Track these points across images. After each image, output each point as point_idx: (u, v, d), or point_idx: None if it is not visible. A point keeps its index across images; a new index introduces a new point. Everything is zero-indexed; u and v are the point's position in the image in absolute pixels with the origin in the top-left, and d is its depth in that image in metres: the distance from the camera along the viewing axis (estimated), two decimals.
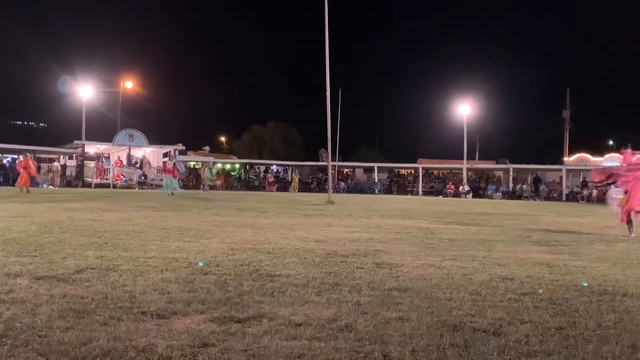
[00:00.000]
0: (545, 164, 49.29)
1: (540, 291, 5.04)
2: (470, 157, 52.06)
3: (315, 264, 6.21)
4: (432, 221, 13.71)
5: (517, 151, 60.72)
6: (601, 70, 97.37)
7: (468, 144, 46.70)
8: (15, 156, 36.78)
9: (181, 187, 29.20)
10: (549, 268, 6.43)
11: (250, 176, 50.25)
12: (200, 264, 5.94)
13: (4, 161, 40.20)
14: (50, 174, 38.19)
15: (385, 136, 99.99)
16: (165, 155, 45.19)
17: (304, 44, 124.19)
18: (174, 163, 28.14)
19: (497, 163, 53.32)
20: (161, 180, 41.73)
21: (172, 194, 26.41)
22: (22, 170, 23.95)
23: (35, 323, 3.56)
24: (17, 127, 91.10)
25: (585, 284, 5.45)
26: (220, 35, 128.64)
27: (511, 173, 45.86)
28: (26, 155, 26.61)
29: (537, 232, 11.31)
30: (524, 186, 44.07)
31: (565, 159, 52.25)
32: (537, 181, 45.19)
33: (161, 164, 44.48)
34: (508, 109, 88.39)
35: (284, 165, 53.06)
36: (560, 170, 45.68)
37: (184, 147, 46.88)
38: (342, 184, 47.24)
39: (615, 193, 16.00)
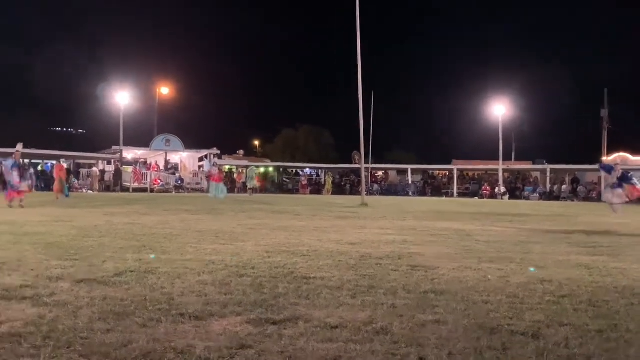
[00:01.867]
0: (583, 164, 48.28)
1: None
2: (506, 157, 51.30)
3: (349, 267, 6.21)
4: (468, 223, 13.56)
5: (554, 151, 59.67)
6: None
7: (504, 145, 46.09)
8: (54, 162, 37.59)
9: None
10: (589, 270, 6.30)
11: (284, 179, 50.50)
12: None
13: (45, 167, 41.17)
14: (90, 179, 39.01)
15: (419, 137, 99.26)
16: (201, 159, 45.80)
17: (336, 46, 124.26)
18: (219, 169, 29.36)
19: (534, 164, 52.45)
20: (197, 184, 42.41)
21: (215, 197, 27.05)
22: (56, 176, 24.44)
23: (77, 325, 3.65)
24: (56, 133, 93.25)
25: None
26: (254, 41, 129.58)
27: (548, 174, 45.08)
28: (59, 161, 27.14)
29: (575, 233, 11.10)
30: (562, 187, 43.27)
31: (604, 158, 51.10)
32: (575, 182, 44.33)
33: (197, 168, 45.13)
34: (545, 108, 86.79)
35: (317, 168, 53.16)
36: (599, 170, 44.68)
37: (219, 151, 47.42)
38: (376, 186, 47.12)
39: (610, 192, 15.76)
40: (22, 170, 17.60)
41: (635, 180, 16.09)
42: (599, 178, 42.90)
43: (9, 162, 17.63)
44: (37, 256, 6.49)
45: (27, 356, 3.07)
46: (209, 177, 32.58)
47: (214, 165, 34.86)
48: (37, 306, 4.11)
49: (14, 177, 17.01)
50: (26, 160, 30.01)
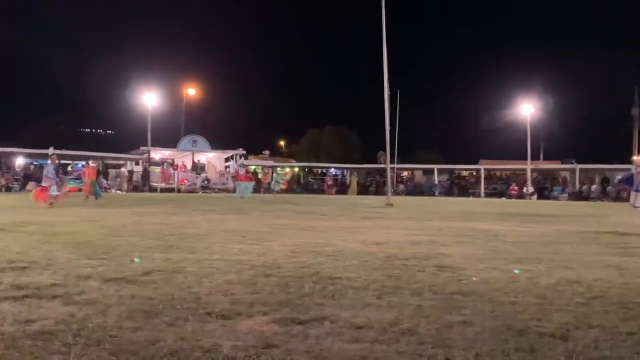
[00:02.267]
0: (613, 163, 47.39)
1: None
2: (535, 157, 50.65)
3: (375, 267, 6.20)
4: (495, 223, 13.43)
5: (584, 151, 58.76)
6: None
7: (532, 144, 45.52)
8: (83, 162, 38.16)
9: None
10: (619, 271, 6.19)
11: (310, 179, 50.56)
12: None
13: (75, 167, 41.84)
14: (118, 179, 39.54)
15: (445, 137, 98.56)
16: (227, 160, 46.09)
17: (362, 46, 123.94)
18: (245, 169, 29.94)
19: (562, 163, 51.67)
20: (224, 184, 42.70)
21: (242, 196, 27.45)
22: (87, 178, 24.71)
23: (106, 323, 3.70)
24: (85, 134, 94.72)
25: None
26: (279, 41, 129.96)
27: (578, 173, 44.38)
28: (87, 163, 27.50)
29: (605, 234, 10.91)
30: (592, 187, 42.58)
31: (635, 158, 50.16)
32: (605, 181, 43.56)
33: (223, 169, 45.45)
34: (573, 107, 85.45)
35: (342, 168, 53.11)
36: (630, 169, 43.82)
37: (245, 152, 47.66)
38: (401, 186, 46.91)
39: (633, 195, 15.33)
40: (59, 173, 18.08)
41: None
42: None
43: (50, 167, 18.03)
44: (66, 255, 6.60)
45: (58, 353, 3.13)
46: (235, 176, 32.93)
47: (240, 165, 35.26)
48: (67, 304, 4.18)
49: (52, 180, 17.40)
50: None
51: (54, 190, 17.18)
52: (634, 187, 15.65)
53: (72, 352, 3.15)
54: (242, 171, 31.40)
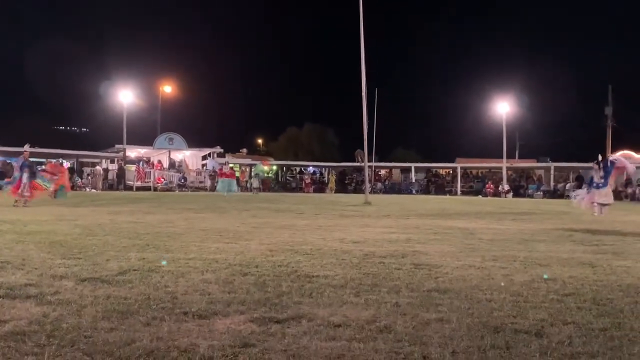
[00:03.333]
0: (587, 161, 48.03)
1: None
2: (510, 155, 51.24)
3: (353, 265, 6.21)
4: (472, 221, 13.54)
5: (558, 149, 59.59)
6: None
7: (507, 143, 46.01)
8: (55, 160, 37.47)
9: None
10: (592, 268, 6.28)
11: (288, 178, 50.51)
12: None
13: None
14: (93, 178, 39.08)
15: (423, 136, 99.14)
16: (204, 157, 45.85)
17: (339, 44, 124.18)
18: (230, 167, 30.17)
19: (537, 161, 52.35)
20: (200, 182, 42.46)
21: (226, 195, 27.43)
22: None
23: (81, 323, 3.65)
24: (60, 132, 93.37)
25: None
26: (256, 38, 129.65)
27: (552, 171, 44.97)
28: (58, 161, 26.53)
29: (579, 231, 11.08)
30: (566, 185, 43.17)
31: (608, 156, 51.00)
32: (579, 179, 44.18)
33: (200, 167, 45.20)
34: (548, 106, 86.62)
35: (321, 167, 53.16)
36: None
37: (222, 150, 47.49)
38: (379, 184, 47.10)
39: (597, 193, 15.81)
40: (31, 170, 17.68)
41: (617, 159, 16.07)
42: None
43: (19, 162, 17.68)
44: (40, 255, 6.50)
45: (31, 354, 3.08)
46: (219, 174, 32.79)
47: (225, 164, 35.21)
48: (41, 305, 4.12)
49: (23, 177, 17.07)
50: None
51: (24, 188, 16.87)
52: (593, 185, 16.03)
53: (45, 352, 3.10)
54: (226, 168, 31.52)
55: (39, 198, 17.89)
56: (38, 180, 17.91)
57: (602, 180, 15.84)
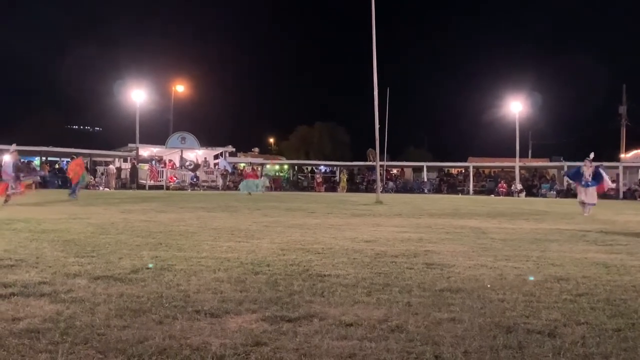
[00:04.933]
0: (601, 161, 47.60)
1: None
2: (523, 155, 50.91)
3: (364, 264, 6.20)
4: (484, 221, 13.48)
5: (572, 148, 59.13)
6: None
7: (520, 142, 45.71)
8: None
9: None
10: (606, 268, 6.24)
11: (299, 177, 50.54)
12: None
13: (62, 164, 41.50)
14: (106, 177, 39.30)
15: (435, 135, 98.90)
16: (216, 157, 45.98)
17: (351, 44, 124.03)
18: (252, 168, 31.09)
19: (550, 161, 52.00)
20: (213, 182, 42.59)
21: (250, 193, 27.91)
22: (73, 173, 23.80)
23: (94, 321, 3.68)
24: (73, 131, 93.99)
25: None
26: (267, 37, 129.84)
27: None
28: (72, 157, 26.32)
29: (592, 231, 10.99)
30: None
31: (622, 155, 50.54)
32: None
33: (212, 166, 45.32)
34: (562, 105, 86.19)
35: (332, 166, 53.13)
36: (617, 167, 44.14)
37: (234, 149, 47.59)
38: (391, 183, 47.00)
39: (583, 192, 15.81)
40: (19, 168, 17.72)
41: (605, 176, 16.11)
42: (617, 175, 42.48)
43: (9, 163, 17.72)
44: (54, 253, 6.56)
45: (45, 352, 3.11)
46: (245, 175, 33.25)
47: (248, 164, 35.83)
48: (54, 302, 4.16)
49: (10, 176, 17.15)
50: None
51: (11, 188, 16.95)
52: (582, 183, 16.02)
53: (59, 350, 3.13)
54: (248, 169, 32.21)
55: (28, 194, 17.93)
56: (26, 179, 18.01)
57: (591, 180, 15.92)
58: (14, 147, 18.64)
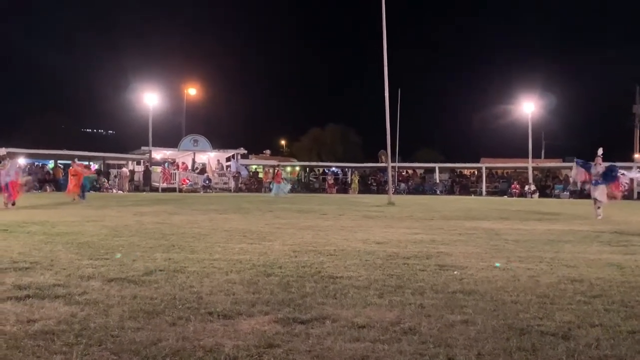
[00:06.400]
0: (614, 161, 47.17)
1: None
2: (536, 155, 50.62)
3: (376, 266, 6.20)
4: (497, 222, 13.42)
5: (585, 149, 58.68)
6: None
7: (533, 142, 45.45)
8: (85, 162, 37.79)
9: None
10: (621, 269, 6.18)
11: (311, 178, 50.53)
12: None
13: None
14: (119, 179, 39.54)
15: (447, 136, 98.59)
16: (228, 159, 46.09)
17: (362, 45, 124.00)
18: (279, 171, 32.17)
19: (564, 161, 51.59)
20: (225, 184, 42.71)
21: (277, 195, 29.37)
22: (71, 177, 22.67)
23: (108, 323, 3.71)
24: (87, 134, 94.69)
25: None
26: (280, 41, 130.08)
27: None
28: (74, 161, 25.85)
29: (607, 232, 10.90)
30: None
31: (636, 155, 50.09)
32: None
33: (224, 168, 45.47)
34: (575, 105, 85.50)
35: (344, 167, 53.09)
36: (631, 167, 43.75)
37: (245, 151, 47.69)
38: (403, 185, 46.88)
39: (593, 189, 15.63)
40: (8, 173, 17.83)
41: (620, 174, 15.86)
42: (631, 180, 42.03)
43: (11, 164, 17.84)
44: (69, 255, 6.61)
45: (59, 353, 3.14)
46: (276, 180, 33.47)
47: (275, 166, 36.25)
48: (69, 304, 4.19)
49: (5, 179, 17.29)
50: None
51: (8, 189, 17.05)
52: (592, 181, 15.82)
53: (74, 351, 3.15)
54: (279, 171, 33.52)
55: (21, 195, 18.03)
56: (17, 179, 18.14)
57: (601, 178, 15.73)
58: (3, 150, 18.73)
